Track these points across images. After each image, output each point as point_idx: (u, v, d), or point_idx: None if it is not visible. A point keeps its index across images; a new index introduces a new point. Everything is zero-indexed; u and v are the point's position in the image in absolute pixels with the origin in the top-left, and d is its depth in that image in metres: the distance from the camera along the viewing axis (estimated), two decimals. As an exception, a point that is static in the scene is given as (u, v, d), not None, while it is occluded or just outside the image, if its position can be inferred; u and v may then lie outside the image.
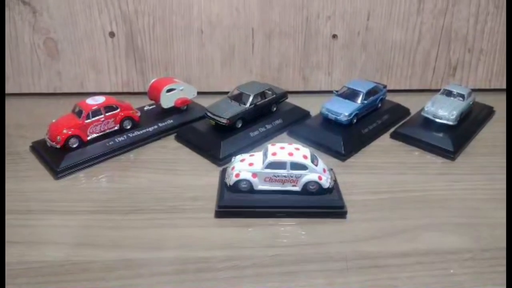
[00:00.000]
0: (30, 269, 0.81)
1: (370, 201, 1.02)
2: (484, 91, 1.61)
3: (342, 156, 1.18)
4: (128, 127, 1.24)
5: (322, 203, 0.96)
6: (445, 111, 1.26)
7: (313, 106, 1.39)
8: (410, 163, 1.18)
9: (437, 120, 1.26)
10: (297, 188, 0.97)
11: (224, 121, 1.20)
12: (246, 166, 0.97)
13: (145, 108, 1.37)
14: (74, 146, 1.14)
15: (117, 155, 1.19)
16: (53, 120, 1.18)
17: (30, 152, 1.20)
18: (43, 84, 1.55)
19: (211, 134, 1.23)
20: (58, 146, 1.12)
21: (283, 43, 1.54)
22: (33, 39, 1.48)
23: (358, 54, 1.58)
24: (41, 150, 1.17)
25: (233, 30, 1.51)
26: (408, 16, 1.52)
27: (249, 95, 1.26)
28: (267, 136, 1.27)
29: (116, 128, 1.22)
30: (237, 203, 0.96)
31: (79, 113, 1.17)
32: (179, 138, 1.27)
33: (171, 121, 1.32)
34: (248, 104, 1.25)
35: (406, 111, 1.44)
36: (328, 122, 1.27)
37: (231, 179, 0.97)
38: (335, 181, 1.02)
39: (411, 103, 1.46)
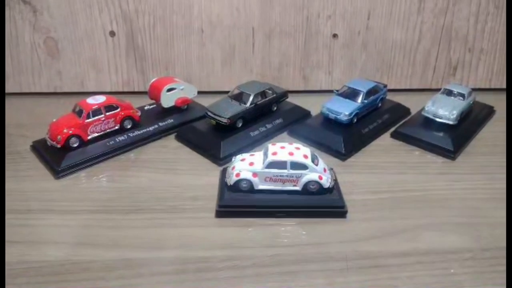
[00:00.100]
0: (30, 269, 0.81)
1: (370, 200, 1.02)
2: (484, 90, 1.61)
3: (343, 155, 1.18)
4: (129, 126, 1.24)
5: (322, 203, 0.96)
6: (445, 111, 1.26)
7: (314, 106, 1.39)
8: (411, 162, 1.18)
9: (438, 119, 1.26)
10: (297, 188, 0.97)
11: (225, 120, 1.20)
12: (247, 166, 0.97)
13: (146, 108, 1.37)
14: (75, 145, 1.14)
15: (117, 155, 1.19)
16: (54, 120, 1.18)
17: (30, 152, 1.20)
18: (44, 84, 1.55)
19: (211, 134, 1.23)
20: (58, 146, 1.12)
21: (283, 43, 1.54)
22: (33, 38, 1.48)
23: (358, 54, 1.58)
24: (41, 149, 1.17)
25: (233, 29, 1.51)
26: (408, 16, 1.52)
27: (250, 95, 1.26)
28: (268, 136, 1.27)
29: (116, 127, 1.22)
30: (238, 202, 0.96)
31: (79, 113, 1.17)
32: (180, 138, 1.27)
33: (172, 120, 1.32)
34: (248, 104, 1.25)
35: (406, 111, 1.44)
36: (329, 122, 1.27)
37: (231, 179, 0.97)
38: (335, 180, 1.01)
39: (412, 103, 1.46)
